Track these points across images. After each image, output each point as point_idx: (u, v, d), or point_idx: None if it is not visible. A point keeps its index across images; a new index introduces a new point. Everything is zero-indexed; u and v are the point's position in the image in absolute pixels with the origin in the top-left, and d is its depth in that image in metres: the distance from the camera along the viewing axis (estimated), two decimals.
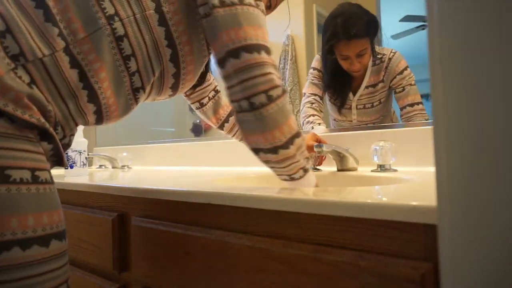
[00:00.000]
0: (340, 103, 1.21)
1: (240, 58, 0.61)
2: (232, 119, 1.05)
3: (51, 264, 0.55)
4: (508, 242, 0.31)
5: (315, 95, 1.25)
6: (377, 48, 1.14)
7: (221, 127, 1.06)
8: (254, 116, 0.61)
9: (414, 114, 1.09)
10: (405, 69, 1.11)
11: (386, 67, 1.13)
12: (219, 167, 1.47)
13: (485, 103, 0.32)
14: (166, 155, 1.70)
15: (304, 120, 1.26)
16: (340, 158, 1.02)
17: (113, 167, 1.82)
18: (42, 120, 0.56)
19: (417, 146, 0.99)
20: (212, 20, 0.62)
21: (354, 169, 1.01)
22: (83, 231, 0.96)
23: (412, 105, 1.09)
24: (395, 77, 1.12)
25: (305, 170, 0.69)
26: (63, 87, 0.59)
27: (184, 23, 0.66)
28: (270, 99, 0.61)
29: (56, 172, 1.52)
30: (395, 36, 1.13)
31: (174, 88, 0.72)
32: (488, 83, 0.31)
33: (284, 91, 0.63)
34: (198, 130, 1.69)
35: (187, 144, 1.64)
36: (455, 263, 0.33)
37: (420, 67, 1.11)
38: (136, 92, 0.66)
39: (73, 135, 0.66)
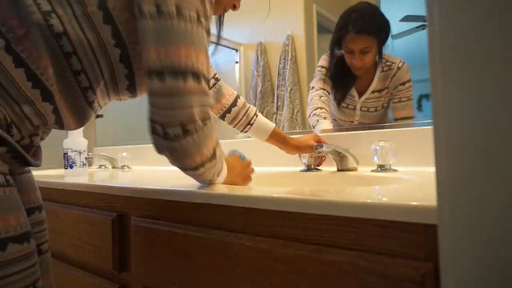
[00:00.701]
0: (340, 98, 1.23)
1: (164, 81, 0.57)
2: (234, 109, 1.04)
3: (9, 268, 0.54)
4: (508, 242, 0.31)
5: (324, 89, 1.26)
6: (387, 56, 1.15)
7: (222, 117, 1.05)
8: (166, 145, 0.60)
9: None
10: (408, 81, 1.14)
11: (394, 75, 1.15)
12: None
13: (485, 103, 0.32)
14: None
15: (311, 112, 1.27)
16: (340, 158, 1.02)
17: (113, 167, 1.82)
18: None
19: (417, 146, 0.99)
20: (144, 28, 0.57)
21: (354, 169, 1.01)
22: (83, 231, 0.96)
23: (407, 118, 1.13)
24: (397, 87, 1.14)
25: (219, 174, 0.71)
26: (11, 88, 0.56)
27: (135, 22, 0.60)
28: (186, 133, 0.58)
29: (56, 172, 1.52)
30: (395, 36, 1.13)
31: (131, 90, 0.67)
32: (488, 83, 0.31)
33: (205, 123, 0.60)
34: None
35: None
36: (455, 263, 0.33)
37: (420, 67, 1.11)
38: (85, 92, 0.63)
39: (35, 135, 0.63)
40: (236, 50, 1.57)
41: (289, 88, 1.37)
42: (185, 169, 0.64)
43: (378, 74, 1.17)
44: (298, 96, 1.36)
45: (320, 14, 1.31)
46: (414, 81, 1.12)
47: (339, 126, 1.25)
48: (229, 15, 0.88)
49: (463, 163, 0.33)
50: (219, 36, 0.91)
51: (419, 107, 1.12)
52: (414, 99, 1.13)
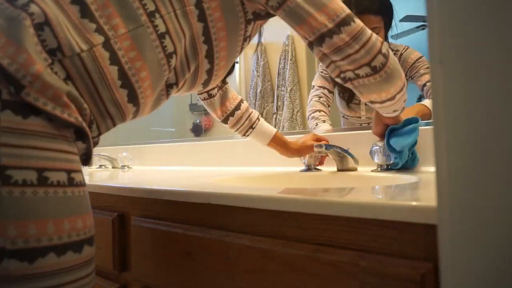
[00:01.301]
0: (348, 97, 1.20)
1: (343, 32, 0.63)
2: (237, 113, 1.04)
3: (82, 270, 0.53)
4: (508, 242, 0.31)
5: (324, 88, 1.23)
6: (390, 45, 1.12)
7: (225, 120, 1.05)
8: (380, 77, 0.66)
9: None
10: (420, 58, 1.10)
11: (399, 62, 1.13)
12: (219, 167, 1.47)
13: (485, 103, 0.32)
14: (166, 155, 1.70)
15: (310, 114, 1.25)
16: (340, 158, 1.02)
17: (113, 167, 1.82)
18: (80, 119, 0.54)
19: (417, 146, 0.99)
20: (292, 8, 0.63)
21: (354, 169, 1.01)
22: None
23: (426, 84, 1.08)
24: (408, 69, 1.11)
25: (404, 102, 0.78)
26: (101, 85, 0.56)
27: (224, 20, 0.65)
28: (386, 57, 0.65)
29: None
30: (395, 36, 1.13)
31: (205, 84, 0.72)
32: (488, 82, 0.31)
33: (388, 53, 0.66)
34: (198, 130, 1.69)
35: (187, 144, 1.64)
36: (455, 263, 0.33)
37: None
38: (169, 88, 0.65)
39: (103, 133, 0.64)
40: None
41: (289, 88, 1.36)
42: (397, 89, 0.71)
43: None
44: (298, 96, 1.36)
45: None
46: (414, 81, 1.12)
47: (349, 123, 1.23)
48: None
49: (463, 163, 0.33)
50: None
51: None
52: (414, 99, 1.12)
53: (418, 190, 0.56)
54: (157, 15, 0.59)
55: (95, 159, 2.03)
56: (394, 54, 1.11)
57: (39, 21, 0.52)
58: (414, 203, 0.44)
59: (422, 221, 0.43)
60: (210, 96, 1.01)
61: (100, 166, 1.89)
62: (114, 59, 0.56)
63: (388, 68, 0.66)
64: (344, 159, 1.01)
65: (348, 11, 0.65)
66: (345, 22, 0.64)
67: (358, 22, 0.65)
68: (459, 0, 0.32)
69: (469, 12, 0.32)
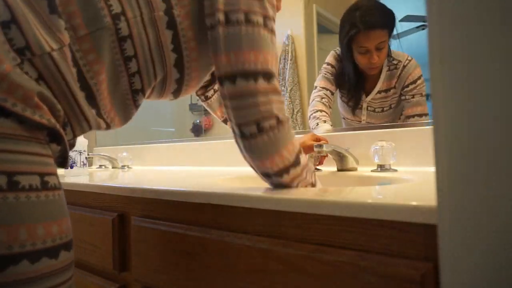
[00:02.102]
0: (354, 103, 1.21)
1: (236, 84, 0.59)
2: None
3: (60, 277, 0.51)
4: (508, 242, 0.31)
5: (327, 89, 1.24)
6: (393, 54, 1.13)
7: (225, 121, 1.05)
8: (243, 144, 0.61)
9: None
10: (419, 78, 1.11)
11: (399, 75, 1.13)
12: (219, 167, 1.47)
13: (485, 103, 0.32)
14: (166, 155, 1.70)
15: (311, 114, 1.25)
16: (340, 158, 1.02)
17: (113, 167, 1.82)
18: (53, 120, 0.52)
19: (417, 146, 0.99)
20: (215, 36, 0.60)
21: (354, 169, 1.01)
22: (83, 231, 0.96)
23: (420, 115, 1.09)
24: (407, 86, 1.12)
25: (313, 183, 0.69)
26: (75, 86, 0.55)
27: (194, 29, 0.63)
28: (261, 131, 0.59)
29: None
30: (395, 36, 1.13)
31: (176, 93, 0.70)
32: (488, 83, 0.31)
33: (281, 121, 0.61)
34: (198, 130, 1.69)
35: (187, 144, 1.64)
36: (455, 263, 0.33)
37: (420, 67, 1.11)
38: (135, 94, 0.63)
39: (78, 136, 0.62)
40: None
41: (289, 88, 1.37)
42: (268, 174, 0.63)
43: (384, 73, 1.14)
44: (298, 96, 1.36)
45: (320, 14, 1.31)
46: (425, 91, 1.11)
47: (348, 125, 1.24)
48: None
49: (463, 163, 0.33)
50: None
51: None
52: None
53: (418, 190, 0.56)
54: (122, 18, 0.57)
55: (95, 159, 2.03)
56: (396, 66, 1.12)
57: (4, 19, 0.51)
58: (414, 203, 0.44)
59: (422, 221, 0.43)
60: (207, 98, 1.00)
61: (100, 166, 1.89)
62: (74, 61, 0.55)
63: (255, 142, 0.60)
64: (344, 159, 1.01)
65: (267, 70, 0.60)
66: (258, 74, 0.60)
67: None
68: (459, 0, 0.32)
69: (469, 12, 0.32)
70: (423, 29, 1.08)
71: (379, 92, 1.16)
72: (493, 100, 0.31)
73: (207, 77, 0.74)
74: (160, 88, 0.67)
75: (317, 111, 1.24)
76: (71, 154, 1.28)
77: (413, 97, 1.11)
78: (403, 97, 1.13)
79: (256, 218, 0.60)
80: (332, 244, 0.51)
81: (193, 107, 1.71)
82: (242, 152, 0.64)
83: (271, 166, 0.61)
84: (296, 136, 1.12)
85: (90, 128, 0.61)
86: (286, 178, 0.63)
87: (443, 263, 0.34)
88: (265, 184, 0.67)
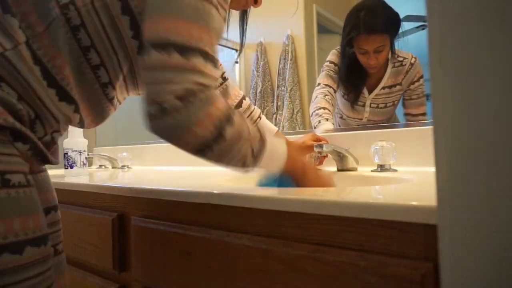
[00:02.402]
0: (354, 98, 1.21)
1: (149, 55, 0.52)
2: (239, 110, 1.02)
3: (26, 272, 0.52)
4: (508, 242, 0.31)
5: (330, 86, 1.24)
6: (398, 52, 1.14)
7: None
8: (150, 125, 0.54)
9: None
10: (421, 77, 1.12)
11: (407, 71, 1.13)
12: (219, 167, 1.47)
13: (485, 103, 0.32)
14: (166, 155, 1.70)
15: (314, 111, 1.25)
16: (340, 158, 1.02)
17: (113, 167, 1.82)
18: (11, 120, 0.52)
19: (417, 146, 0.99)
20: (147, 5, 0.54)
21: (354, 169, 1.01)
22: (83, 231, 0.96)
23: (424, 115, 1.10)
24: (413, 83, 1.12)
25: (255, 156, 0.60)
26: (35, 84, 0.55)
27: None
28: (164, 112, 0.52)
29: (56, 172, 1.52)
30: (400, 35, 1.13)
31: None
32: (488, 83, 0.31)
33: (183, 104, 0.52)
34: None
35: None
36: (455, 263, 0.33)
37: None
38: (105, 88, 0.61)
39: (56, 131, 0.62)
40: (236, 50, 1.57)
41: (289, 88, 1.37)
42: (190, 151, 0.58)
43: (389, 70, 1.15)
44: (298, 96, 1.36)
45: (320, 14, 1.31)
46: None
47: (347, 124, 1.24)
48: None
49: (463, 163, 0.33)
50: (242, 35, 0.86)
51: None
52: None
53: (418, 190, 0.56)
54: (71, 7, 0.55)
55: (95, 159, 2.03)
56: (401, 62, 1.12)
57: None
58: (414, 203, 0.44)
59: (422, 221, 0.43)
60: None
61: (100, 166, 1.89)
62: (36, 59, 0.55)
63: (179, 114, 0.52)
64: (344, 159, 1.01)
65: (188, 44, 0.52)
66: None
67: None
68: (459, 0, 0.32)
69: (469, 12, 0.32)
70: (423, 29, 1.08)
71: (383, 88, 1.16)
72: (493, 100, 0.31)
73: None
74: (132, 80, 0.64)
75: (320, 108, 1.24)
76: (71, 154, 1.28)
77: (418, 97, 1.12)
78: (407, 96, 1.13)
79: (256, 218, 0.60)
80: (332, 244, 0.51)
81: None
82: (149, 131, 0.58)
83: (185, 145, 0.56)
84: (296, 136, 1.13)
85: (59, 123, 0.60)
86: (209, 155, 0.57)
87: (443, 263, 0.34)
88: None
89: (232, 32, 0.89)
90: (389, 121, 1.18)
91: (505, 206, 0.31)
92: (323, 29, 1.31)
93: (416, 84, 1.12)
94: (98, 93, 0.61)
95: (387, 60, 1.14)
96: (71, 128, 1.26)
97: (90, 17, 0.56)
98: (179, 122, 0.53)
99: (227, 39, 1.54)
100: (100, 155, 1.83)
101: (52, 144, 0.62)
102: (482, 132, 0.32)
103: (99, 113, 0.64)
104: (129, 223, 0.84)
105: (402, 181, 0.79)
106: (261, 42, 1.47)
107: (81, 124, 0.64)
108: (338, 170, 1.03)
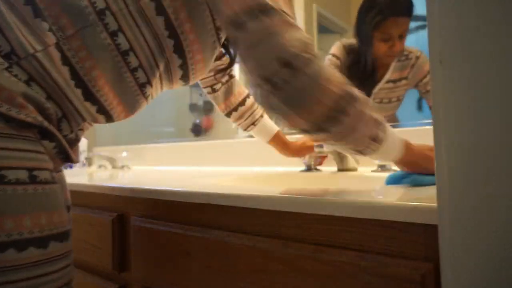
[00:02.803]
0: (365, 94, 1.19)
1: (246, 28, 0.53)
2: (242, 108, 1.02)
3: (49, 266, 0.53)
4: (508, 242, 0.31)
5: None
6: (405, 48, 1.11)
7: (228, 114, 1.03)
8: (277, 97, 0.52)
9: None
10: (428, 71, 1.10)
11: (413, 65, 1.10)
12: (219, 167, 1.47)
13: (485, 103, 0.32)
14: (166, 155, 1.70)
15: None
16: (340, 158, 1.02)
17: (112, 167, 1.82)
18: (40, 118, 0.54)
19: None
20: None
21: (354, 169, 1.01)
22: (83, 231, 0.96)
23: None
24: (426, 77, 1.10)
25: (376, 139, 0.56)
26: (64, 84, 0.58)
27: (186, 10, 0.60)
28: (293, 68, 0.50)
29: None
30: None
31: (185, 79, 0.68)
32: (488, 82, 0.31)
33: (308, 58, 0.51)
34: (198, 130, 1.69)
35: (187, 144, 1.64)
36: (455, 263, 0.33)
37: None
38: (142, 88, 0.64)
39: (82, 129, 0.65)
40: None
41: None
42: (316, 121, 0.53)
43: (394, 64, 1.12)
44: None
45: (320, 14, 1.31)
46: None
47: None
48: None
49: (463, 163, 0.33)
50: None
51: (419, 107, 1.12)
52: (414, 99, 1.12)
53: (418, 190, 0.56)
54: (107, 13, 0.58)
55: (95, 159, 2.03)
56: (406, 56, 1.09)
57: None
58: (414, 203, 0.44)
59: (422, 221, 0.43)
60: (214, 90, 0.98)
61: (100, 166, 1.89)
62: (65, 60, 0.57)
63: (290, 85, 0.51)
64: (344, 159, 1.01)
65: (270, 5, 0.53)
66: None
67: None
68: (459, 0, 0.32)
69: (469, 12, 0.32)
70: (423, 29, 1.08)
71: (387, 82, 1.14)
72: (493, 100, 0.31)
73: (221, 63, 0.69)
74: (167, 76, 0.66)
75: None
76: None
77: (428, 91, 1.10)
78: (423, 89, 1.09)
79: (256, 218, 0.60)
80: (332, 244, 0.51)
81: (193, 107, 1.71)
82: (271, 111, 0.56)
83: (310, 115, 0.52)
84: (296, 135, 1.13)
85: (84, 121, 0.63)
86: (338, 132, 0.53)
87: (443, 263, 0.34)
88: (265, 184, 0.67)
89: None
90: (393, 119, 1.16)
91: (505, 206, 0.31)
92: (323, 29, 1.31)
93: (429, 77, 1.09)
94: (136, 93, 0.64)
95: None
96: None
97: (125, 21, 0.58)
98: (313, 78, 0.51)
99: None
100: (100, 155, 1.83)
101: (76, 142, 0.64)
102: (482, 132, 0.32)
103: (133, 108, 0.66)
104: (129, 223, 0.84)
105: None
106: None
107: (109, 121, 0.66)
108: (338, 170, 1.03)
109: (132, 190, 0.81)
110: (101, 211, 0.91)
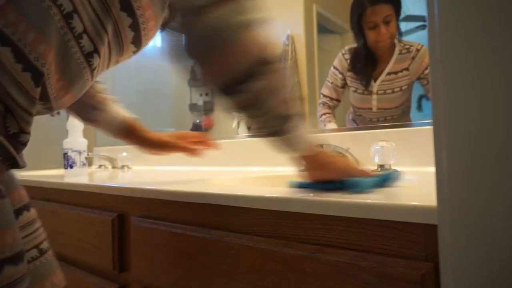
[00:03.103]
0: (364, 86, 1.23)
1: None
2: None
3: None
4: (508, 242, 0.31)
5: (327, 97, 1.30)
6: (403, 40, 1.15)
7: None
8: (196, 25, 0.49)
9: None
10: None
11: (414, 57, 1.15)
12: (219, 167, 1.47)
13: (485, 102, 0.32)
14: (166, 155, 1.70)
15: (319, 118, 1.32)
16: None
17: (113, 167, 1.82)
18: None
19: (417, 146, 0.99)
20: None
21: None
22: (83, 231, 0.96)
23: None
24: (426, 68, 1.13)
25: (286, 119, 0.54)
26: (4, 73, 0.46)
27: None
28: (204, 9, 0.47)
29: (56, 172, 1.52)
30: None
31: (137, 41, 0.60)
32: (488, 82, 0.31)
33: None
34: (198, 130, 1.69)
35: None
36: (455, 263, 0.33)
37: None
38: (89, 58, 0.54)
39: (28, 128, 0.52)
40: None
41: None
42: (224, 79, 0.50)
43: (395, 56, 1.16)
44: (298, 96, 1.36)
45: (320, 14, 1.31)
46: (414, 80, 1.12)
47: (362, 120, 1.24)
48: None
49: (463, 163, 0.33)
50: None
51: (419, 107, 1.12)
52: (414, 99, 1.13)
53: (418, 190, 0.56)
54: None
55: (95, 159, 2.03)
56: (407, 49, 1.14)
57: None
58: (414, 203, 0.44)
59: (422, 221, 0.43)
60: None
61: (100, 166, 1.89)
62: (4, 39, 0.46)
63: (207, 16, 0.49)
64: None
65: None
66: None
67: None
68: (459, 0, 0.32)
69: (469, 12, 0.32)
70: (423, 29, 1.08)
71: (389, 74, 1.17)
72: (493, 100, 0.31)
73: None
74: (117, 42, 0.58)
75: (321, 115, 1.31)
76: (71, 154, 1.27)
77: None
78: (424, 81, 1.14)
79: (256, 218, 0.60)
80: (332, 244, 0.51)
81: (193, 107, 1.71)
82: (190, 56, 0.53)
83: (226, 68, 0.49)
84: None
85: (31, 116, 0.51)
86: (247, 96, 0.50)
87: (443, 263, 0.34)
88: (265, 184, 0.67)
89: None
90: (400, 109, 1.17)
91: (505, 206, 0.31)
92: (323, 29, 1.31)
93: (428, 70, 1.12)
94: (81, 63, 0.54)
95: (394, 45, 1.15)
96: (71, 128, 1.26)
97: None
98: (219, 27, 0.48)
99: None
100: (100, 155, 1.83)
101: (22, 145, 0.53)
102: (482, 132, 0.32)
103: (78, 88, 0.57)
104: (129, 223, 0.84)
105: (402, 181, 0.79)
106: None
107: (49, 110, 0.55)
108: None
109: (132, 190, 0.81)
110: (101, 211, 0.91)
